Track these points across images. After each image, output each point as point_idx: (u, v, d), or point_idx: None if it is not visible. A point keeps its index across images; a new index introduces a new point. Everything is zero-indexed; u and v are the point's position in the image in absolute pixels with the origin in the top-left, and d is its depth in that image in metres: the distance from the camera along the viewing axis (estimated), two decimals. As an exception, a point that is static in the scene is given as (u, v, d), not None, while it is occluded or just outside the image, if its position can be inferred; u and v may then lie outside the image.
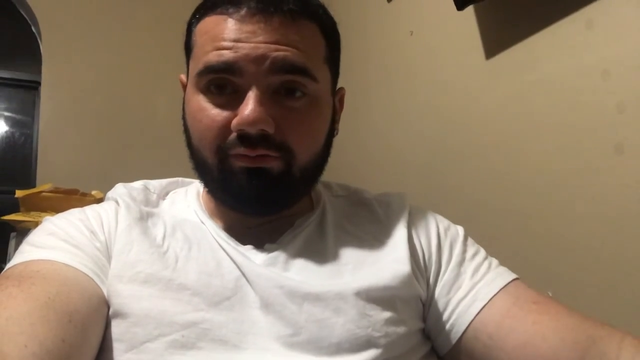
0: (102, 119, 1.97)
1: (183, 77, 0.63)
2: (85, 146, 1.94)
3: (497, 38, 1.11)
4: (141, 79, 2.05)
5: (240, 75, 0.53)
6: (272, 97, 0.53)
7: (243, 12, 0.53)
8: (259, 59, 0.52)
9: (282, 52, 0.52)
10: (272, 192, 0.55)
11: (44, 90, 1.95)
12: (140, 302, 0.50)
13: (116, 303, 0.50)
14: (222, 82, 0.54)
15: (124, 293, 0.50)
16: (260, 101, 0.52)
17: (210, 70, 0.53)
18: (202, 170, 0.58)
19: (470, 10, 1.15)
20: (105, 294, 0.51)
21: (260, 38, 0.52)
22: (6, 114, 2.63)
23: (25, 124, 2.63)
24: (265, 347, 0.50)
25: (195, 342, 0.48)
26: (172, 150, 2.00)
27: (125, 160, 1.92)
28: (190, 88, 0.58)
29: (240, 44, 0.52)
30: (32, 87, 2.52)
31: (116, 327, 0.49)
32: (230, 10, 0.53)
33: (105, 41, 2.01)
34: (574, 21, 0.92)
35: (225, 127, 0.53)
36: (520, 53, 1.04)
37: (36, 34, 2.03)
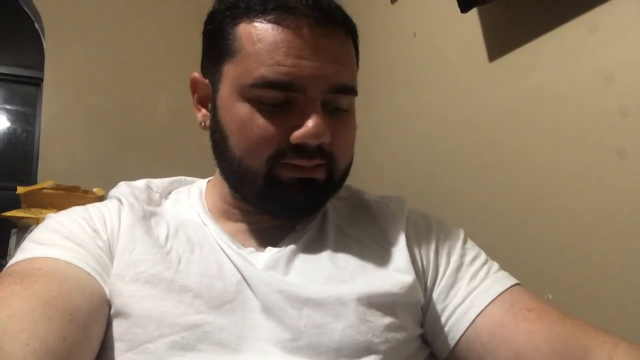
0: (104, 116, 1.97)
1: (198, 75, 0.62)
2: (86, 143, 1.93)
3: (501, 41, 1.11)
4: (144, 77, 2.04)
5: (301, 93, 0.53)
6: (323, 110, 0.55)
7: (304, 27, 0.53)
8: (322, 79, 0.54)
9: (340, 74, 0.55)
10: (319, 198, 0.59)
11: (46, 86, 1.95)
12: (141, 303, 0.50)
13: (118, 302, 0.50)
14: (280, 97, 0.54)
15: (125, 293, 0.50)
16: (322, 115, 0.54)
17: (269, 85, 0.53)
18: (240, 179, 0.58)
19: (474, 12, 1.15)
20: (107, 293, 0.51)
21: (322, 56, 0.53)
22: (8, 110, 2.63)
23: (27, 121, 2.63)
24: (265, 352, 0.50)
25: (195, 344, 0.48)
26: (173, 148, 2.01)
27: (127, 158, 1.91)
28: (230, 94, 0.56)
29: (304, 62, 0.52)
30: (35, 83, 2.52)
31: (117, 327, 0.49)
32: (288, 21, 0.53)
33: (108, 38, 2.00)
34: (577, 25, 0.92)
35: (280, 137, 0.54)
36: (523, 56, 1.04)
37: (39, 31, 2.03)
